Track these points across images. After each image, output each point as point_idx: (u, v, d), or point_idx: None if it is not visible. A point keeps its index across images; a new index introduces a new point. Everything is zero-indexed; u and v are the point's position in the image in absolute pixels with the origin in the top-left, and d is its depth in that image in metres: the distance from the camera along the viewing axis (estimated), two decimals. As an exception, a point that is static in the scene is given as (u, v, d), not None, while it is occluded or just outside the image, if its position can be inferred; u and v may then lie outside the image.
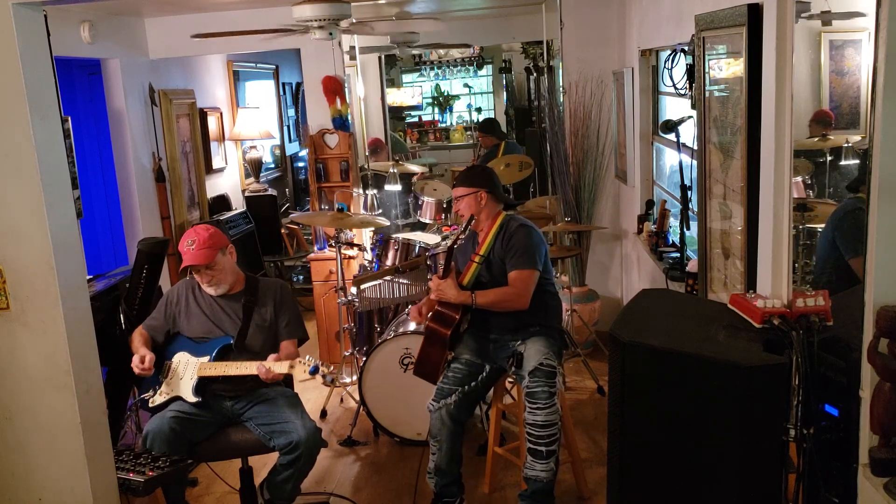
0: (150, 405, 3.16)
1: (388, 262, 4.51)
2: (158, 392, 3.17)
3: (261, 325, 3.23)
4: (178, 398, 3.14)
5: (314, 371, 2.95)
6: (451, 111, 11.92)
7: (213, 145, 6.53)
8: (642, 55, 4.50)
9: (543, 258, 3.26)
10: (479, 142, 7.29)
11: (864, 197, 2.17)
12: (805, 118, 2.30)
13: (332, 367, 3.09)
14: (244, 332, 3.21)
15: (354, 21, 4.42)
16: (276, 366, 3.03)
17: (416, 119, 11.72)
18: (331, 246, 4.99)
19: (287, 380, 3.34)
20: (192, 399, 3.10)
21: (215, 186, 6.52)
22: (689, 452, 1.87)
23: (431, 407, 3.25)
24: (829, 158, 2.38)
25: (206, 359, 3.14)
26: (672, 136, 3.72)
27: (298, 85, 8.32)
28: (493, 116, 10.84)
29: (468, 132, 11.38)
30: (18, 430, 2.38)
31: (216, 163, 6.57)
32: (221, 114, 6.77)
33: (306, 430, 3.05)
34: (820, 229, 2.36)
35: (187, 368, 3.16)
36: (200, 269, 3.19)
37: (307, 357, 3.02)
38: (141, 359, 3.11)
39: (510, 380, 3.46)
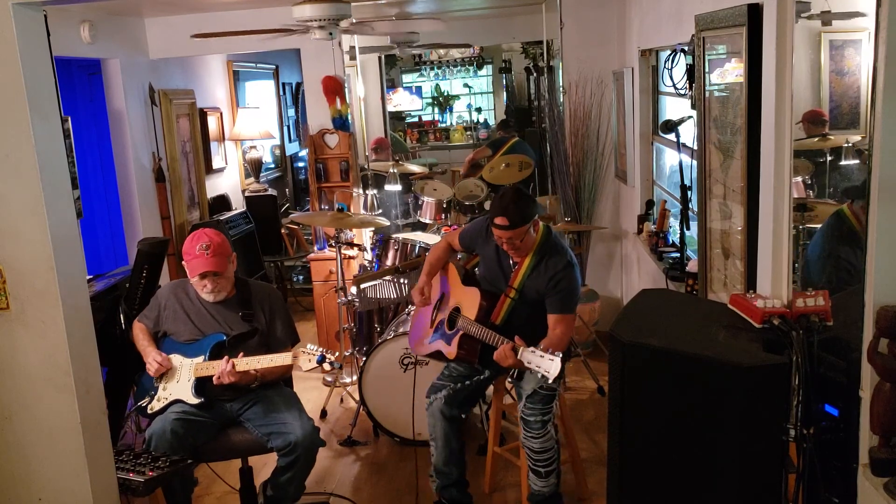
0: (149, 412, 3.12)
1: (388, 262, 4.51)
2: (156, 398, 3.12)
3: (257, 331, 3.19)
4: (177, 401, 3.08)
5: (321, 360, 2.95)
6: (451, 111, 11.91)
7: (213, 145, 6.53)
8: (642, 55, 4.50)
9: None
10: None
11: (849, 216, 2.16)
12: (799, 118, 2.30)
13: (336, 354, 3.06)
14: (246, 337, 3.16)
15: (354, 21, 4.42)
16: (278, 358, 3.00)
17: (416, 119, 11.72)
18: (331, 246, 4.99)
19: (287, 380, 3.34)
20: (194, 400, 3.06)
21: (215, 186, 6.52)
22: (689, 452, 1.87)
23: (426, 404, 3.26)
24: (829, 158, 2.38)
25: (200, 359, 3.10)
26: (672, 136, 3.71)
27: (298, 85, 8.32)
28: (506, 117, 10.77)
29: (468, 132, 11.38)
30: (18, 430, 2.37)
31: (216, 163, 6.57)
32: (221, 114, 6.77)
33: (303, 430, 3.02)
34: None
35: (182, 370, 3.11)
36: (209, 275, 3.12)
37: (308, 346, 3.01)
38: (162, 360, 3.10)
39: (510, 380, 3.46)
